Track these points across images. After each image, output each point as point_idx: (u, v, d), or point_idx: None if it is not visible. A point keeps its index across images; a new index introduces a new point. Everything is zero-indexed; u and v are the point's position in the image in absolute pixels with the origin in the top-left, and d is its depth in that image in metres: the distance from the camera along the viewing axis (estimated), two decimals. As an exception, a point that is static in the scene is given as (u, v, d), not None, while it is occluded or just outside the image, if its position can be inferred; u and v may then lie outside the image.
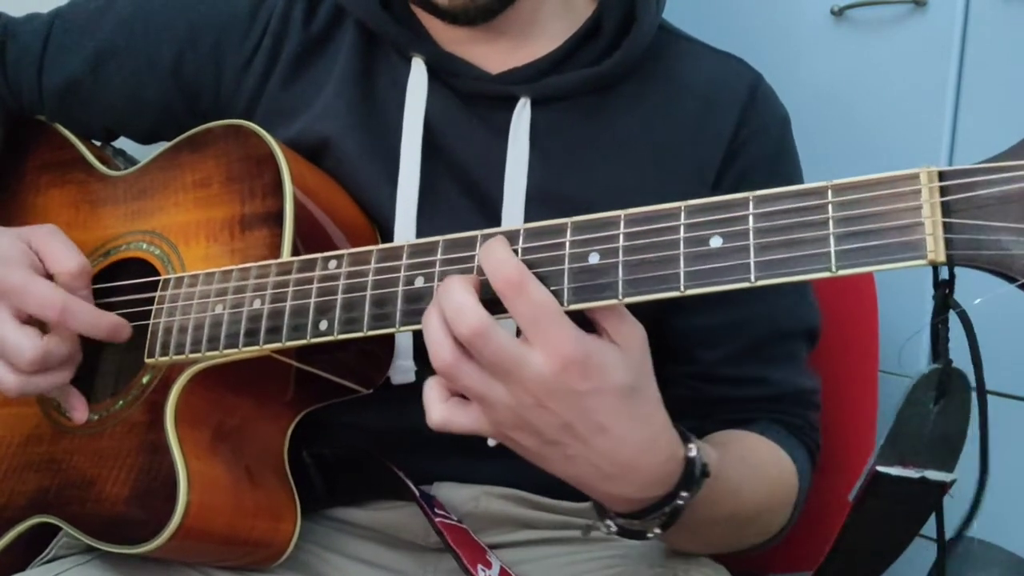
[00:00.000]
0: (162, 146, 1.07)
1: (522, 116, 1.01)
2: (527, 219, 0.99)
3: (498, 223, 1.00)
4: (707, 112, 1.05)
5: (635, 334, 0.73)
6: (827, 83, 1.47)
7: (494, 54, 1.04)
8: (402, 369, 1.00)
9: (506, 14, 1.01)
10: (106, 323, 0.96)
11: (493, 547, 1.04)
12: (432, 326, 0.72)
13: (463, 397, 0.75)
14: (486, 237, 0.76)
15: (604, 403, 0.71)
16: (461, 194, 1.03)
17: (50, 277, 0.96)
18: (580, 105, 1.03)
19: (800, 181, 1.09)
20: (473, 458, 1.04)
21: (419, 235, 1.00)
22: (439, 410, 0.74)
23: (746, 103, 1.06)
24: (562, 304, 0.72)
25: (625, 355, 0.72)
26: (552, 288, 0.72)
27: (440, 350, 0.71)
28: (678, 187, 1.02)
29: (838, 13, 1.45)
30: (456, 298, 0.70)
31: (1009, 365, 1.28)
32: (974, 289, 0.64)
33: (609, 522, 0.83)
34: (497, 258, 0.71)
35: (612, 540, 1.07)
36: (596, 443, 0.73)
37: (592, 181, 1.02)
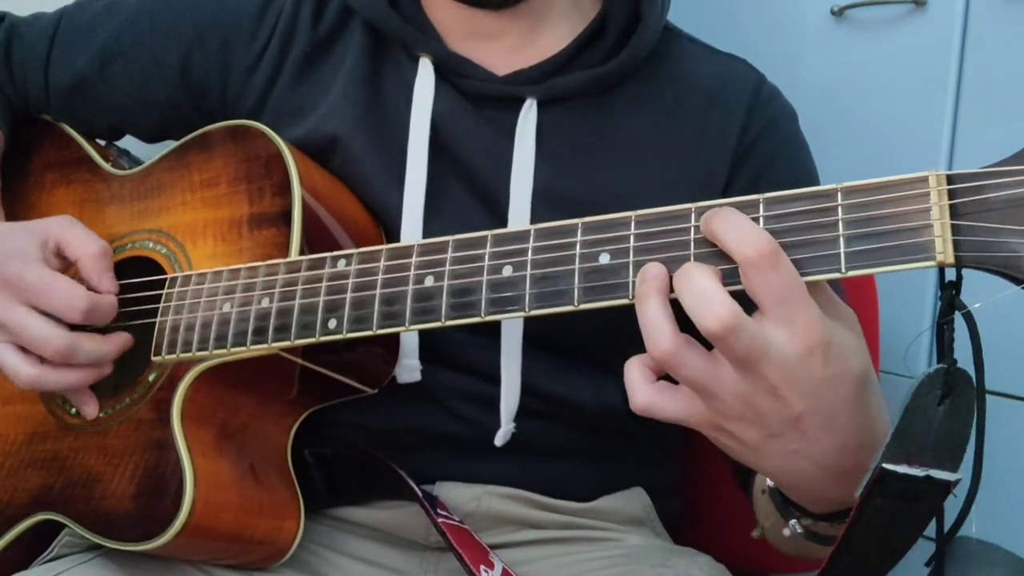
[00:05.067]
0: (168, 145, 1.08)
1: (528, 117, 1.02)
2: (533, 219, 1.00)
3: (504, 223, 1.00)
4: (712, 112, 1.06)
5: (853, 315, 0.70)
6: (827, 83, 1.47)
7: (500, 54, 1.05)
8: (408, 368, 1.00)
9: (527, 3, 1.02)
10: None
11: (495, 547, 1.04)
12: (651, 310, 0.66)
13: (668, 378, 0.69)
14: (496, 237, 0.77)
15: (840, 393, 0.66)
16: (467, 194, 1.03)
17: (64, 270, 0.97)
18: (585, 105, 1.04)
19: (815, 174, 1.10)
20: (475, 458, 1.04)
21: (425, 234, 1.00)
22: (644, 393, 0.68)
23: (751, 103, 1.06)
24: (572, 304, 0.72)
25: (859, 339, 0.69)
26: (562, 287, 0.73)
27: (660, 337, 0.65)
28: (684, 187, 1.02)
29: (838, 13, 1.45)
30: (702, 286, 0.64)
31: (1010, 365, 1.29)
32: (976, 292, 0.65)
33: (794, 523, 0.80)
34: (744, 227, 0.65)
35: (613, 540, 1.08)
36: (822, 438, 0.68)
37: (597, 181, 1.02)
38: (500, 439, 1.01)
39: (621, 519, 1.11)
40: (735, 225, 0.65)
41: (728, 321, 0.62)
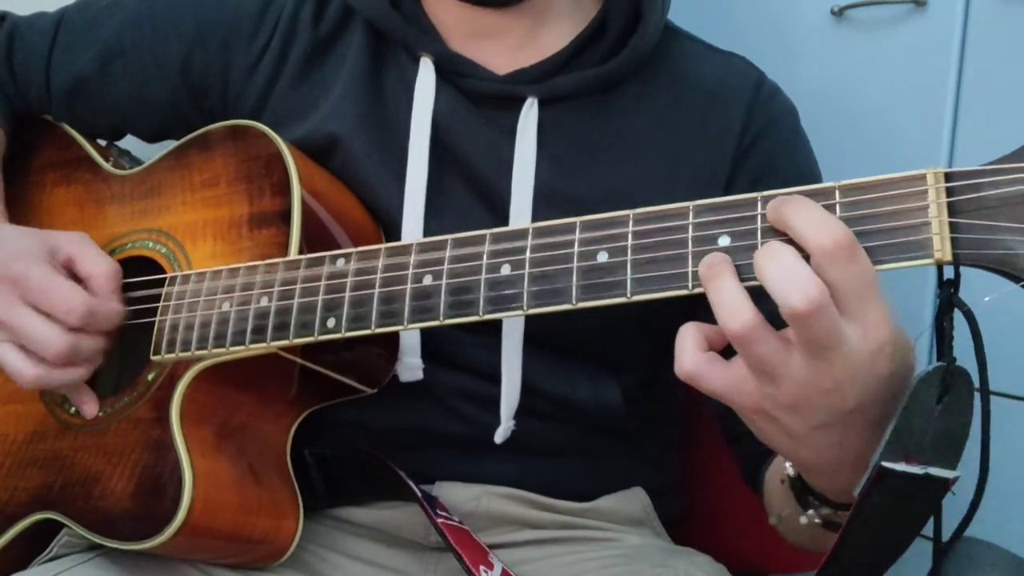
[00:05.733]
0: (168, 145, 1.08)
1: (529, 116, 1.02)
2: (534, 218, 1.00)
3: (505, 222, 1.00)
4: (713, 111, 1.06)
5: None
6: (827, 83, 1.46)
7: (501, 54, 1.05)
8: (410, 366, 1.00)
9: (529, 2, 1.02)
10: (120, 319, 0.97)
11: (494, 547, 1.04)
12: (728, 285, 0.64)
13: (721, 354, 0.68)
14: (495, 236, 0.77)
15: (895, 389, 0.65)
16: (468, 193, 1.04)
17: (78, 281, 0.96)
18: (586, 105, 1.04)
19: (818, 171, 1.10)
20: (475, 457, 1.04)
21: (426, 234, 1.00)
22: (693, 360, 0.67)
23: (751, 101, 1.07)
24: (570, 302, 0.72)
25: (909, 338, 0.68)
26: (560, 286, 0.73)
27: (740, 311, 0.63)
28: (686, 186, 1.03)
29: (838, 13, 1.45)
30: (789, 264, 0.62)
31: (1010, 365, 1.28)
32: (977, 288, 0.65)
33: (812, 512, 0.80)
34: (820, 215, 0.63)
35: (613, 540, 1.09)
36: (868, 433, 0.67)
37: (599, 180, 1.03)
38: (500, 436, 1.01)
39: (620, 519, 1.11)
40: (810, 213, 0.63)
41: (817, 300, 0.60)
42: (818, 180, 1.09)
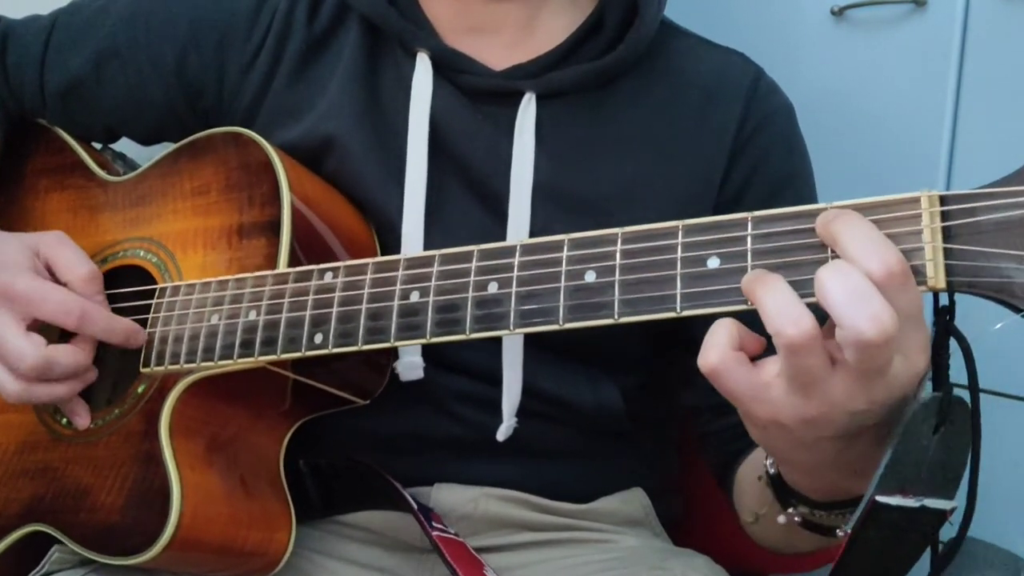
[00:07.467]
0: (162, 149, 1.07)
1: (527, 111, 1.01)
2: (533, 215, 1.00)
3: (504, 219, 1.00)
4: (709, 106, 1.05)
5: None
6: (827, 83, 1.46)
7: (497, 50, 1.05)
8: (410, 366, 1.00)
9: None
10: (121, 328, 0.95)
11: (491, 550, 1.04)
12: (785, 290, 0.61)
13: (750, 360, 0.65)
14: (482, 252, 0.77)
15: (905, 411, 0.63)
16: (467, 191, 1.03)
17: (59, 283, 0.96)
18: (584, 100, 1.04)
19: (810, 172, 1.10)
20: (473, 459, 1.04)
21: (426, 233, 1.00)
22: (721, 355, 0.64)
23: (748, 97, 1.06)
24: (557, 323, 0.71)
25: None
26: (548, 305, 0.72)
27: (802, 318, 0.60)
28: (683, 181, 1.02)
29: (838, 13, 1.45)
30: (861, 287, 0.59)
31: (1010, 365, 1.28)
32: (974, 311, 0.64)
33: (791, 511, 0.79)
34: (874, 237, 0.60)
35: (610, 542, 1.08)
36: (873, 444, 0.65)
37: (597, 176, 1.02)
38: (502, 434, 1.00)
39: (619, 520, 1.11)
40: (864, 233, 0.61)
41: (890, 331, 0.58)
42: (809, 181, 1.09)
